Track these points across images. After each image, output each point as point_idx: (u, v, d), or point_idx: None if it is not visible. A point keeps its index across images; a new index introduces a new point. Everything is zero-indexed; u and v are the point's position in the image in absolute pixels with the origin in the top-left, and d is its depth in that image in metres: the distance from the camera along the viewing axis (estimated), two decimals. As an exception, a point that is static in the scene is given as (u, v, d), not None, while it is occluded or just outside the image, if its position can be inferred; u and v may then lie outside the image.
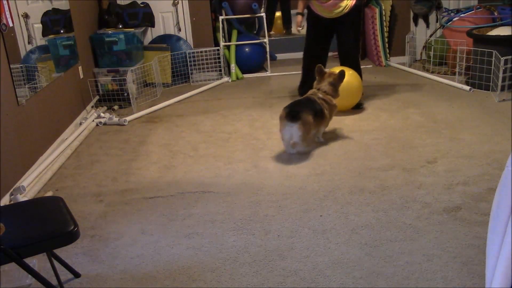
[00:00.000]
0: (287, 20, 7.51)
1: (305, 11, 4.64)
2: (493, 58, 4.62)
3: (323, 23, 4.48)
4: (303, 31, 4.82)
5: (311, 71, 4.66)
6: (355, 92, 4.38)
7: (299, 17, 4.68)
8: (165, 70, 5.72)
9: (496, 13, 5.31)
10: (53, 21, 4.37)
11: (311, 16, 4.54)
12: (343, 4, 4.32)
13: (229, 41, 6.13)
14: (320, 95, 3.78)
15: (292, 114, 3.53)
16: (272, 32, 7.49)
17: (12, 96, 3.41)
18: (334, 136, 3.98)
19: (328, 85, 3.83)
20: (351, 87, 4.28)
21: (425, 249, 2.47)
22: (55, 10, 4.39)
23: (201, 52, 5.88)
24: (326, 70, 3.96)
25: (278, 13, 7.45)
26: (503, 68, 4.50)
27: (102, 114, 4.76)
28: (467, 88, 4.90)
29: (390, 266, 2.36)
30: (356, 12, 4.43)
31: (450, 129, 3.96)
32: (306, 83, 4.68)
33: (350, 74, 4.21)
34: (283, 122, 3.58)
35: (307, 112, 3.57)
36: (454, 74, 5.27)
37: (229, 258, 2.50)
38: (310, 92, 3.87)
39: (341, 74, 3.87)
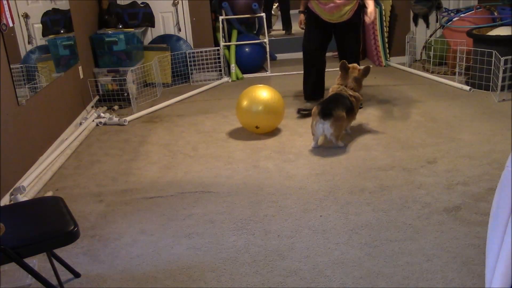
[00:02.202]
0: (286, 21, 7.54)
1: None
2: (493, 58, 4.62)
3: (322, 25, 4.36)
4: None
5: (310, 74, 4.54)
6: (279, 115, 4.10)
7: (301, 16, 4.62)
8: (165, 70, 5.72)
9: (496, 13, 5.31)
10: (53, 21, 4.37)
11: (310, 16, 4.44)
12: (346, 8, 4.18)
13: (229, 41, 6.13)
14: (350, 92, 3.87)
15: (324, 111, 3.61)
16: (273, 27, 7.59)
17: (12, 96, 3.41)
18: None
19: (353, 81, 3.92)
20: (276, 110, 4.04)
21: (425, 249, 2.47)
22: (55, 10, 4.39)
23: (201, 52, 5.88)
24: (350, 65, 3.98)
25: None
26: (503, 68, 4.50)
27: (102, 114, 4.76)
28: (467, 88, 4.90)
29: (390, 266, 2.36)
30: (358, 17, 4.32)
31: (450, 129, 3.97)
32: (307, 84, 4.61)
33: (278, 99, 4.03)
34: (315, 118, 3.67)
35: (340, 109, 3.66)
36: (454, 74, 5.27)
37: (229, 258, 2.50)
38: (339, 88, 3.90)
39: (366, 70, 3.97)
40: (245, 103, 4.02)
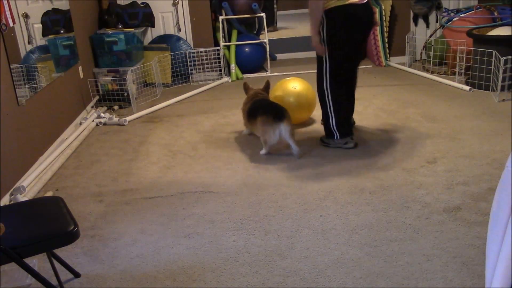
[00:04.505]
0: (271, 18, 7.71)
1: None
2: (493, 58, 4.62)
3: None
4: None
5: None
6: (310, 106, 4.22)
7: None
8: (165, 70, 5.72)
9: (496, 13, 5.31)
10: (53, 21, 4.37)
11: None
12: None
13: (229, 41, 6.13)
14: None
15: (279, 114, 3.53)
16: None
17: (12, 96, 3.41)
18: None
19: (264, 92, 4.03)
20: (307, 101, 4.15)
21: (425, 249, 2.47)
22: (55, 10, 4.39)
23: (201, 52, 5.89)
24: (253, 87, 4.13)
25: None
26: (503, 68, 4.50)
27: (102, 114, 4.76)
28: (467, 88, 4.90)
29: (390, 266, 2.36)
30: (328, 32, 3.44)
31: (450, 129, 3.97)
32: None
33: (306, 88, 4.13)
34: (269, 125, 3.53)
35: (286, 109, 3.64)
36: (454, 74, 5.27)
37: (229, 258, 2.51)
38: (258, 94, 3.99)
39: (266, 86, 4.08)
40: (278, 94, 4.17)
